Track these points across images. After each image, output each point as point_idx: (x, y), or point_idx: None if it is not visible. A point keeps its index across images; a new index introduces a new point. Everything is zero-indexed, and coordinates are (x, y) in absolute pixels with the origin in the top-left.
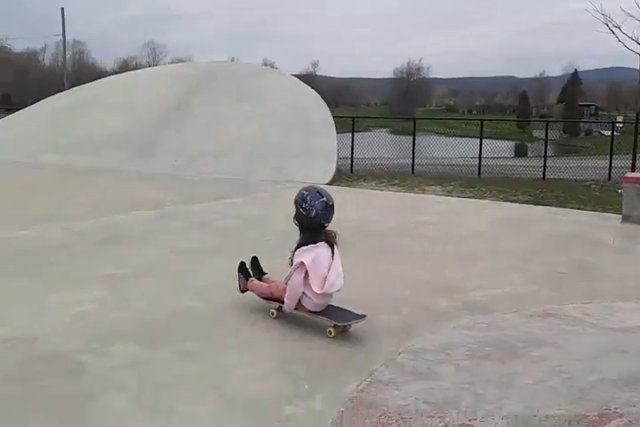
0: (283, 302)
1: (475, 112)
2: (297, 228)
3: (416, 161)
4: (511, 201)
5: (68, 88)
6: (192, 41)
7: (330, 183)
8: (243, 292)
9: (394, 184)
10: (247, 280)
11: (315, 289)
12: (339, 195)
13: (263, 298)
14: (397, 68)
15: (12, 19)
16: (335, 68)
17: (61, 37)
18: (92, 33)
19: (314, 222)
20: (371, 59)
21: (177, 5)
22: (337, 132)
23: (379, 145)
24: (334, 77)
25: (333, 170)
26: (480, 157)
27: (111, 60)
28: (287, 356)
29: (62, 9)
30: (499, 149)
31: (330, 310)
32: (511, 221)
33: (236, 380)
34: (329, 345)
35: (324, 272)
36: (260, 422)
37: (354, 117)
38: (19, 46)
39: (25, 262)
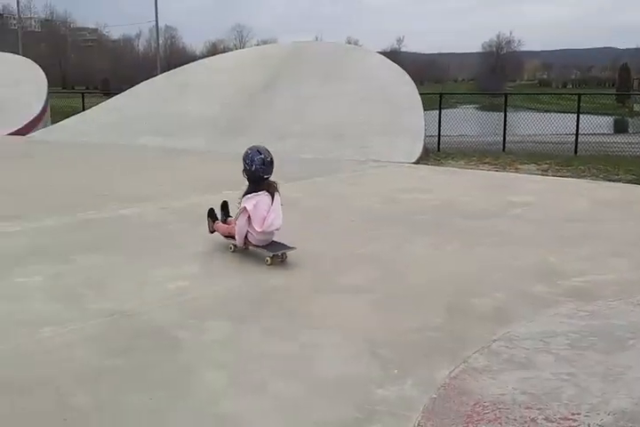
0: None
1: (570, 86)
2: (383, 206)
3: (507, 138)
4: (613, 180)
5: (161, 73)
6: (277, 22)
7: (417, 162)
8: (211, 233)
9: (485, 162)
10: (214, 222)
11: (256, 228)
12: (426, 174)
13: (224, 236)
14: (486, 41)
15: (109, 7)
16: (421, 43)
17: (154, 23)
18: (183, 18)
19: (255, 175)
20: (458, 33)
21: None
22: (423, 110)
23: (466, 122)
24: (420, 53)
25: (420, 148)
26: (577, 134)
27: (200, 43)
28: (377, 338)
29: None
30: (596, 125)
31: (271, 245)
32: (614, 201)
33: (324, 359)
34: (419, 328)
35: (264, 215)
36: (351, 404)
37: (441, 94)
38: (115, 34)
39: (127, 240)
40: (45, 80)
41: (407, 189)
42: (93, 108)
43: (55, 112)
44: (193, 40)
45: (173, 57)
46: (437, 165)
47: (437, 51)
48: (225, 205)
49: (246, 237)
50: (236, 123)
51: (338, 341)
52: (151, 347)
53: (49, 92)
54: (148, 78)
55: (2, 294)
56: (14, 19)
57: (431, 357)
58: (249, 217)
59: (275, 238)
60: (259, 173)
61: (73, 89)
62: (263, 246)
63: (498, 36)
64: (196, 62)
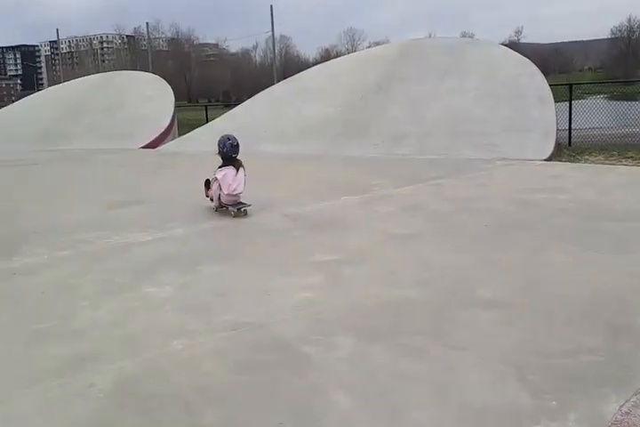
0: None
1: None
2: (516, 209)
3: None
4: None
5: (277, 82)
6: (388, 23)
7: (549, 159)
8: (207, 197)
9: (627, 157)
10: (207, 190)
11: (224, 191)
12: (561, 172)
13: (211, 200)
14: (615, 26)
15: (228, 22)
16: (541, 33)
17: (270, 34)
18: (296, 27)
19: (226, 155)
20: (581, 19)
21: None
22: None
23: (596, 113)
24: (540, 44)
25: (552, 144)
26: None
27: (313, 50)
28: (522, 361)
29: (271, 6)
30: None
31: (237, 204)
32: None
33: (464, 382)
34: (573, 351)
35: (229, 182)
36: None
37: (570, 84)
38: (234, 47)
39: (252, 248)
40: (172, 95)
41: (541, 189)
42: (216, 119)
43: (182, 124)
44: (306, 48)
45: (289, 65)
46: (572, 161)
47: (559, 40)
48: (207, 182)
49: (219, 198)
50: (352, 125)
51: (476, 362)
52: (277, 363)
53: (176, 107)
54: (265, 88)
55: (134, 305)
56: (144, 40)
57: (593, 386)
58: (218, 184)
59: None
60: (229, 154)
61: (197, 102)
62: (231, 205)
63: (629, 20)
64: (312, 68)
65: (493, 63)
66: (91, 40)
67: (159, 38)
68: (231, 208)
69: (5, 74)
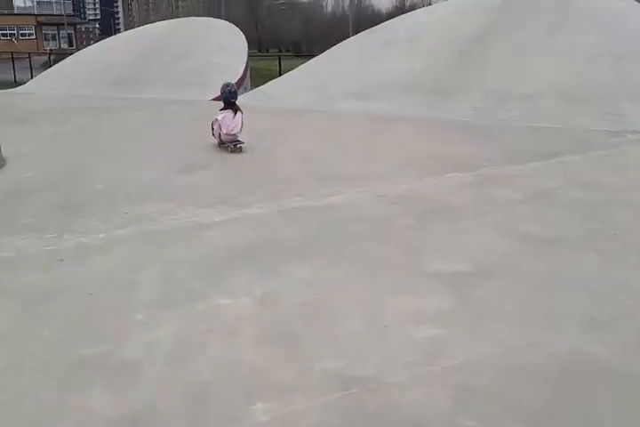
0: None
1: None
2: None
3: None
4: None
5: (352, 33)
6: None
7: None
8: (213, 136)
9: None
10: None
11: (223, 131)
12: None
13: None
14: None
15: None
16: None
17: None
18: None
19: (225, 99)
20: None
21: None
22: None
23: None
24: None
25: None
26: None
27: (386, 1)
28: None
29: None
30: None
31: (234, 141)
32: None
33: None
34: None
35: (228, 123)
36: None
37: None
38: None
39: (342, 242)
40: (246, 44)
41: None
42: (292, 71)
43: (254, 75)
44: None
45: (361, 17)
46: None
47: None
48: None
49: (220, 136)
50: (446, 83)
51: None
52: None
53: (248, 56)
54: (337, 39)
55: (201, 327)
56: None
57: None
58: (219, 125)
59: None
60: (227, 99)
61: (267, 51)
62: (229, 142)
63: None
64: (398, 18)
65: (617, 18)
66: None
67: None
68: (229, 144)
69: (85, 18)
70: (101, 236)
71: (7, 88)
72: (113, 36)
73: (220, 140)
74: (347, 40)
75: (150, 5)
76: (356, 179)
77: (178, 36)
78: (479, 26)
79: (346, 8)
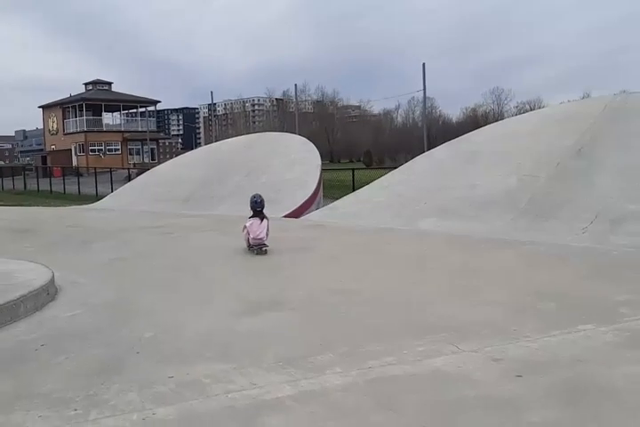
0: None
1: None
2: None
3: None
4: None
5: (427, 143)
6: (538, 82)
7: None
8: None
9: None
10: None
11: (251, 236)
12: None
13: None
14: None
15: (372, 83)
16: None
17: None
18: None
19: (253, 208)
20: None
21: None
22: None
23: None
24: None
25: None
26: None
27: (457, 111)
28: None
29: (423, 64)
30: None
31: (259, 245)
32: None
33: None
34: None
35: (255, 229)
36: None
37: None
38: (376, 108)
39: None
40: (319, 159)
41: None
42: (367, 186)
43: (326, 186)
44: (449, 108)
45: (432, 126)
46: None
47: None
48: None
49: (248, 241)
50: (543, 201)
51: None
52: None
53: (322, 170)
54: (408, 149)
55: None
56: (291, 102)
57: None
58: (247, 231)
59: None
60: (255, 208)
61: (339, 162)
62: (256, 246)
63: None
64: (483, 128)
65: None
66: (243, 103)
67: (305, 101)
68: (256, 248)
69: (168, 133)
70: (134, 417)
71: (88, 202)
72: (189, 152)
73: (248, 243)
74: (425, 153)
75: (229, 121)
76: (455, 328)
77: (252, 150)
78: (579, 136)
79: (416, 119)
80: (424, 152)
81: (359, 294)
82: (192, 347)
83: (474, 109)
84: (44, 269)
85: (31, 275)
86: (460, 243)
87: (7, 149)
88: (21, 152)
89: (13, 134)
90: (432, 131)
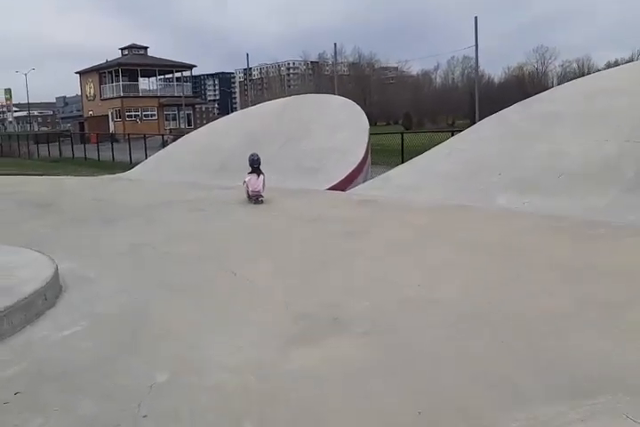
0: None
1: None
2: None
3: None
4: None
5: (479, 104)
6: (581, 41)
7: None
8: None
9: None
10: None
11: (250, 188)
12: None
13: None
14: None
15: (408, 45)
16: None
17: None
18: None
19: (250, 165)
20: None
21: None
22: None
23: None
24: None
25: None
26: None
27: (498, 70)
28: None
29: (475, 18)
30: None
31: (257, 197)
32: None
33: None
34: None
35: (253, 183)
36: None
37: None
38: (415, 69)
39: None
40: (366, 122)
41: None
42: (425, 154)
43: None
44: (490, 68)
45: (472, 86)
46: None
47: None
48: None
49: (248, 193)
50: None
51: None
52: None
53: (370, 136)
54: (449, 111)
55: None
56: (327, 65)
57: None
58: (246, 185)
59: None
60: (252, 165)
61: (375, 124)
62: (254, 197)
63: None
64: (559, 87)
65: None
66: (279, 66)
67: (341, 63)
68: (253, 199)
69: (205, 98)
70: None
71: (120, 171)
72: (223, 118)
73: (248, 195)
74: (493, 115)
75: (264, 85)
76: (619, 381)
77: (290, 114)
78: None
79: (456, 80)
80: (475, 115)
81: (449, 306)
82: (216, 405)
83: (520, 68)
84: (48, 263)
85: (28, 272)
86: (557, 227)
87: (49, 115)
88: (62, 118)
89: (54, 101)
90: (473, 93)
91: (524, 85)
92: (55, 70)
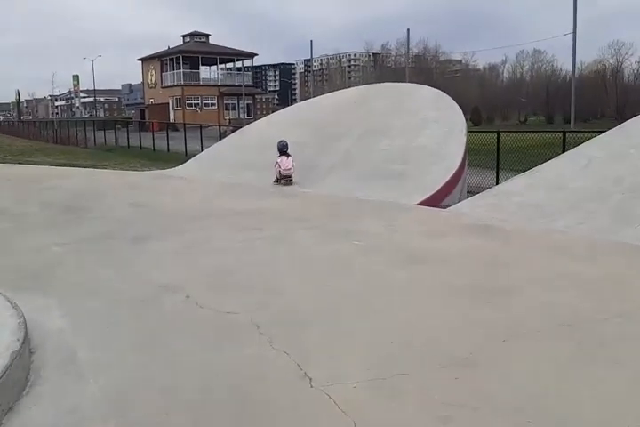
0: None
1: None
2: None
3: None
4: None
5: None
6: None
7: None
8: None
9: None
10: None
11: (281, 168)
12: None
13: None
14: None
15: (475, 38)
16: None
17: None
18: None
19: (280, 149)
20: None
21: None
22: None
23: None
24: None
25: None
26: None
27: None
28: None
29: (575, 1)
30: None
31: (288, 178)
32: None
33: None
34: None
35: (285, 163)
36: None
37: None
38: (481, 62)
39: None
40: (463, 119)
41: None
42: (551, 162)
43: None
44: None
45: (552, 83)
46: None
47: None
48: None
49: (279, 174)
50: None
51: None
52: None
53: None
54: (517, 107)
55: None
56: (389, 57)
57: None
58: (278, 165)
59: None
60: (281, 149)
61: None
62: (283, 179)
63: None
64: None
65: None
66: (339, 58)
67: (405, 55)
68: (283, 181)
69: (265, 89)
70: None
71: (172, 164)
72: (286, 109)
73: (277, 177)
74: None
75: (324, 77)
76: None
77: (366, 106)
78: None
79: (524, 74)
80: (571, 113)
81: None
82: None
83: (600, 63)
84: (15, 337)
85: None
86: None
87: (114, 102)
88: (127, 105)
89: (120, 88)
90: (551, 88)
91: (605, 82)
92: (121, 58)
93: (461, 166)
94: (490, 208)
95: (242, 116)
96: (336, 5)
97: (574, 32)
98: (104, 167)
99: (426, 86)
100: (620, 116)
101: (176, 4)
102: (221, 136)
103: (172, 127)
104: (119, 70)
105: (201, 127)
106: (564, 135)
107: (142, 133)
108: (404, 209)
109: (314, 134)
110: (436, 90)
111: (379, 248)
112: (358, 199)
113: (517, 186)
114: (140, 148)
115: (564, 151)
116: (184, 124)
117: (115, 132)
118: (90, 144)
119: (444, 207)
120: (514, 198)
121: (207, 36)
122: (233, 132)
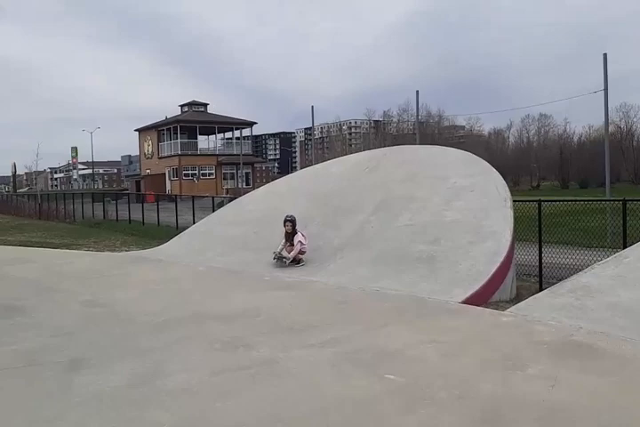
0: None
1: None
2: None
3: None
4: None
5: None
6: None
7: None
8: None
9: None
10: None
11: (306, 248)
12: None
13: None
14: None
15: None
16: None
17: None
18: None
19: (291, 224)
20: None
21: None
22: None
23: None
24: None
25: None
26: None
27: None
28: None
29: (605, 56)
30: None
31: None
32: None
33: None
34: None
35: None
36: None
37: None
38: (486, 127)
39: None
40: (506, 188)
41: None
42: (631, 248)
43: None
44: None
45: (549, 146)
46: None
47: None
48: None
49: (300, 253)
50: None
51: None
52: None
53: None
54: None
55: None
56: (390, 124)
57: None
58: (301, 243)
59: None
60: (293, 225)
61: None
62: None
63: None
64: None
65: None
66: (340, 125)
67: (407, 121)
68: (296, 261)
69: (266, 158)
70: None
71: (159, 240)
72: (287, 176)
73: (297, 256)
74: None
75: (325, 144)
76: None
77: (380, 173)
78: None
79: (531, 139)
80: (605, 178)
81: None
82: None
83: (614, 125)
84: None
85: None
86: None
87: (114, 173)
88: (126, 176)
89: (120, 159)
90: (565, 153)
91: (616, 145)
92: (121, 130)
93: (511, 249)
94: (573, 313)
95: (240, 185)
96: (335, 76)
97: (605, 88)
98: (78, 247)
99: (455, 149)
100: (638, 180)
101: (175, 75)
102: (215, 207)
103: (169, 198)
104: (119, 142)
105: (193, 198)
106: (624, 204)
107: (136, 205)
108: (448, 311)
109: (319, 206)
110: (466, 152)
111: (427, 391)
112: (379, 292)
113: (602, 278)
114: (129, 221)
115: (624, 222)
116: (176, 195)
117: (103, 204)
118: (78, 217)
119: (490, 304)
120: (600, 297)
121: (205, 105)
122: (230, 201)
